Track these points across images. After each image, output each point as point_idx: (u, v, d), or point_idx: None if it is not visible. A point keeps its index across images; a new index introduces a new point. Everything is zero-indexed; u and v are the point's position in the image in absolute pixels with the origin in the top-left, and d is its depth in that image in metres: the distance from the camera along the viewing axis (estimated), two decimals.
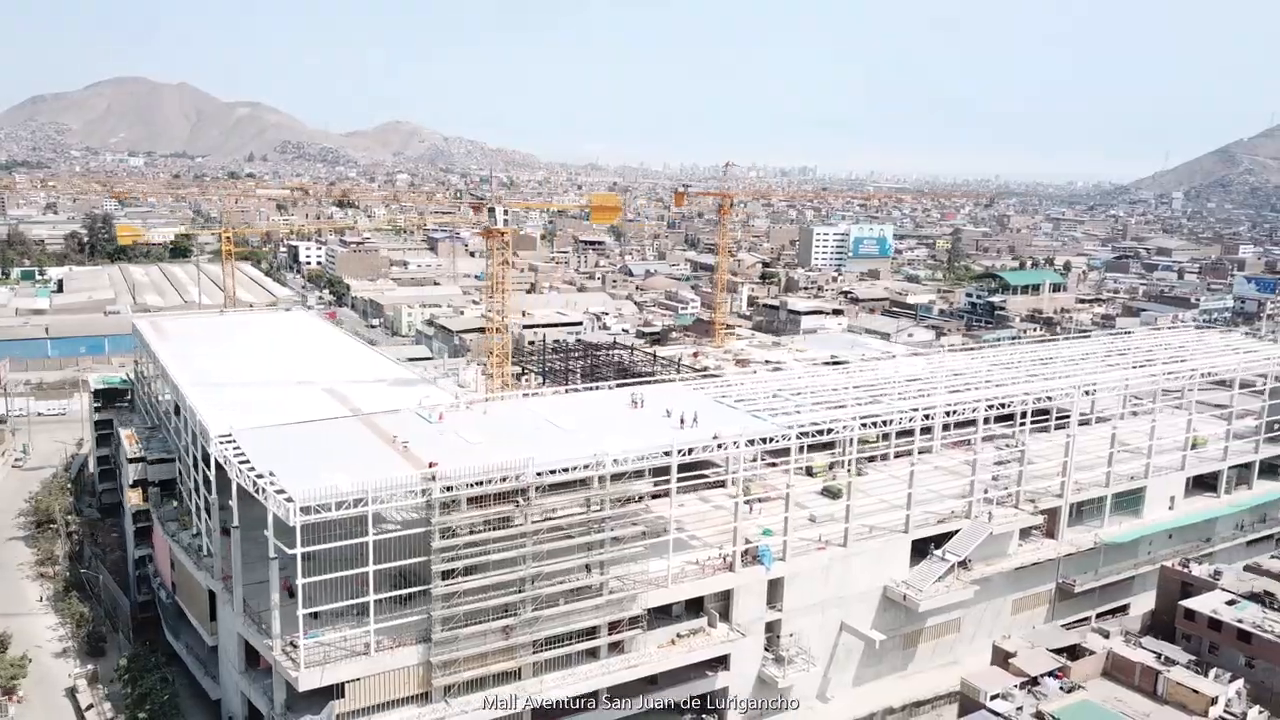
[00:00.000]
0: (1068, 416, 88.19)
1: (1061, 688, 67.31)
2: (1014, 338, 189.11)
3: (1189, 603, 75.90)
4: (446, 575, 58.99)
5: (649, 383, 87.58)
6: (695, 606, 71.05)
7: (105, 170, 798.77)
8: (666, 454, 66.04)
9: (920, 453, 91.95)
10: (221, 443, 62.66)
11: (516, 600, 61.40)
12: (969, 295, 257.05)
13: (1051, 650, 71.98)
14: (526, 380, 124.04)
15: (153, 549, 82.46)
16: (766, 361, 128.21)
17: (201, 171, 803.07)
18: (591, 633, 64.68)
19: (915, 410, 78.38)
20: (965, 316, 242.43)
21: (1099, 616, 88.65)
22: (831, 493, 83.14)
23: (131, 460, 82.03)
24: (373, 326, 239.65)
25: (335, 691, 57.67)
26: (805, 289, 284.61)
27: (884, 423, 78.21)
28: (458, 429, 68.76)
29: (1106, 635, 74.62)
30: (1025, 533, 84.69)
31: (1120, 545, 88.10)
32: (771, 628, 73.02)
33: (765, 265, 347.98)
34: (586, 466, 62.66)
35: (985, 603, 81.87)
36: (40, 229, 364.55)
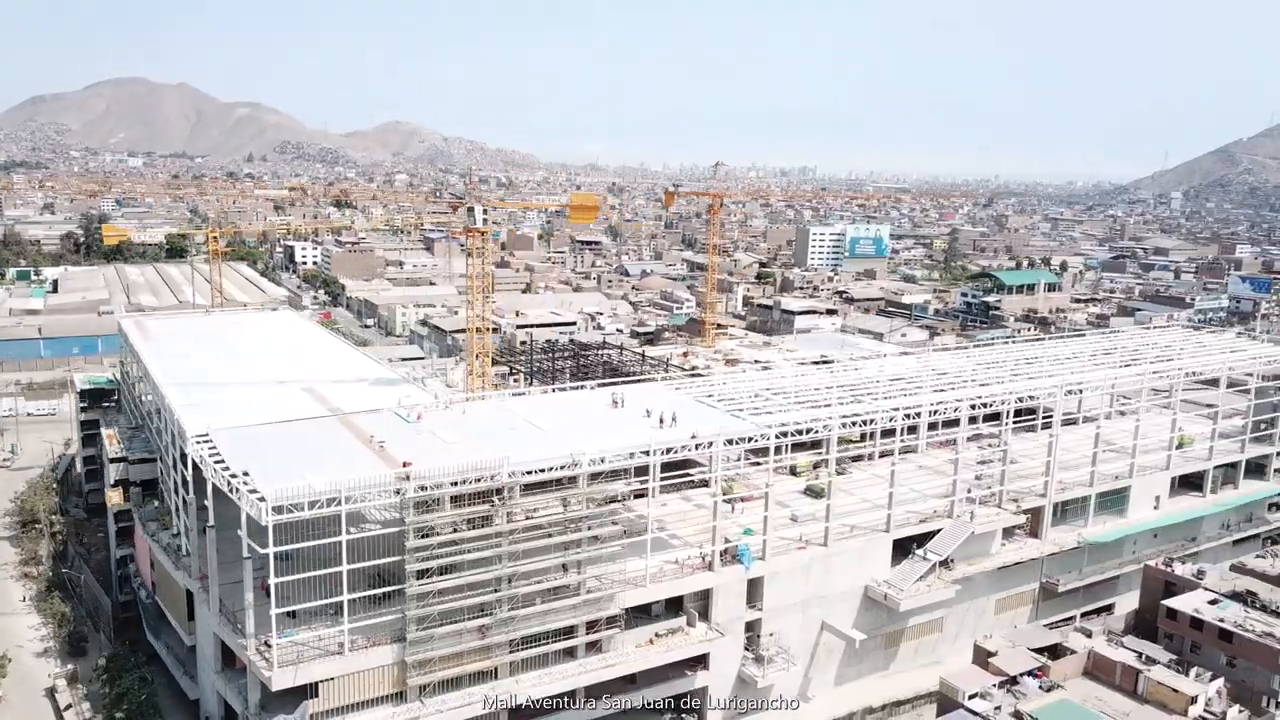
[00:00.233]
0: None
1: (1041, 687, 67.24)
2: (1008, 338, 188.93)
3: (1171, 602, 75.74)
4: (421, 575, 58.89)
5: (630, 382, 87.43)
6: (675, 606, 70.85)
7: (104, 171, 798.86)
8: (644, 453, 65.97)
9: (906, 452, 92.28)
10: (198, 442, 62.63)
11: (493, 600, 61.29)
12: (964, 295, 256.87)
13: (1033, 650, 71.88)
14: (515, 380, 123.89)
15: (134, 549, 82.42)
16: (756, 361, 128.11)
17: (200, 172, 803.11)
18: (569, 632, 64.57)
19: (896, 410, 78.23)
20: (960, 316, 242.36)
21: (1084, 616, 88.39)
22: (814, 492, 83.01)
23: (113, 460, 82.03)
24: (367, 326, 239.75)
25: (309, 691, 57.58)
26: (800, 289, 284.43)
27: (864, 422, 78.04)
28: (435, 429, 68.63)
29: (1089, 635, 74.53)
30: (1008, 532, 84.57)
31: (1104, 545, 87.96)
32: (751, 627, 72.87)
33: (762, 265, 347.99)
34: (562, 466, 62.55)
35: (968, 602, 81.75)
36: (37, 229, 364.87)
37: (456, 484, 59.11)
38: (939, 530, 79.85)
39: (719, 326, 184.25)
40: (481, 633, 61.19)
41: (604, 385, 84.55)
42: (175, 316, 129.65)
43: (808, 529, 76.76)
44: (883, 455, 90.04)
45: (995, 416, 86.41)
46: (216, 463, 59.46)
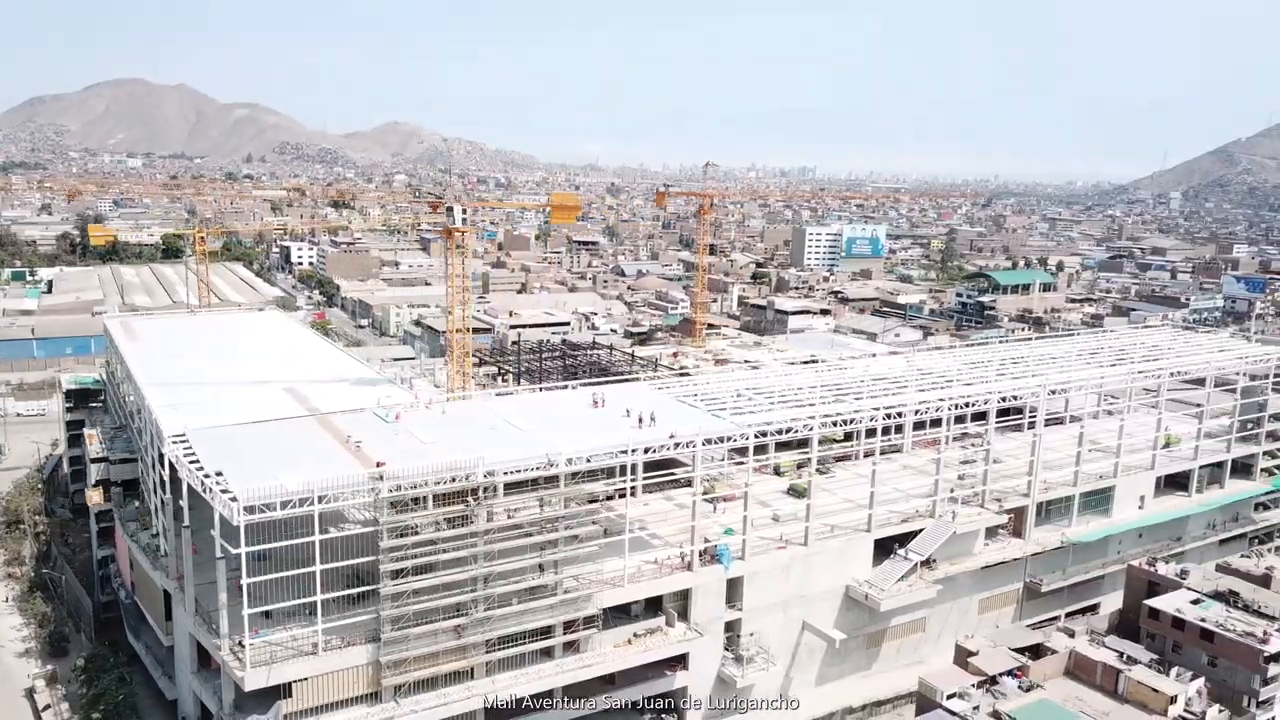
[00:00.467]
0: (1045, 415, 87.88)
1: (1020, 687, 67.11)
2: (1001, 338, 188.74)
3: (1153, 602, 75.52)
4: (396, 574, 58.76)
5: (613, 382, 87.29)
6: (655, 606, 70.77)
7: (103, 171, 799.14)
8: (621, 453, 65.82)
9: (891, 452, 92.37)
10: (174, 442, 62.46)
11: (468, 600, 61.18)
12: (959, 295, 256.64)
13: (1014, 650, 71.67)
14: (503, 380, 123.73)
15: (115, 549, 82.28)
16: (745, 361, 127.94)
17: (199, 173, 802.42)
18: (546, 632, 64.45)
19: (877, 410, 78.05)
20: (955, 316, 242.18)
21: (1068, 616, 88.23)
22: (797, 492, 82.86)
23: (94, 460, 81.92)
24: (361, 327, 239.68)
25: (282, 691, 57.45)
26: (796, 289, 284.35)
27: (845, 422, 77.83)
28: (414, 429, 68.50)
29: (1072, 634, 74.36)
30: (991, 532, 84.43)
31: (1088, 544, 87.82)
32: (731, 627, 72.74)
33: (758, 265, 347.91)
34: (537, 466, 62.41)
35: (951, 602, 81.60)
36: (33, 230, 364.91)
37: (431, 484, 58.96)
38: (921, 530, 79.68)
39: (711, 326, 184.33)
40: (457, 633, 61.06)
41: (587, 385, 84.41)
42: (160, 317, 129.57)
43: (789, 529, 76.60)
44: (867, 455, 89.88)
45: (982, 416, 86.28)
46: (191, 463, 59.34)
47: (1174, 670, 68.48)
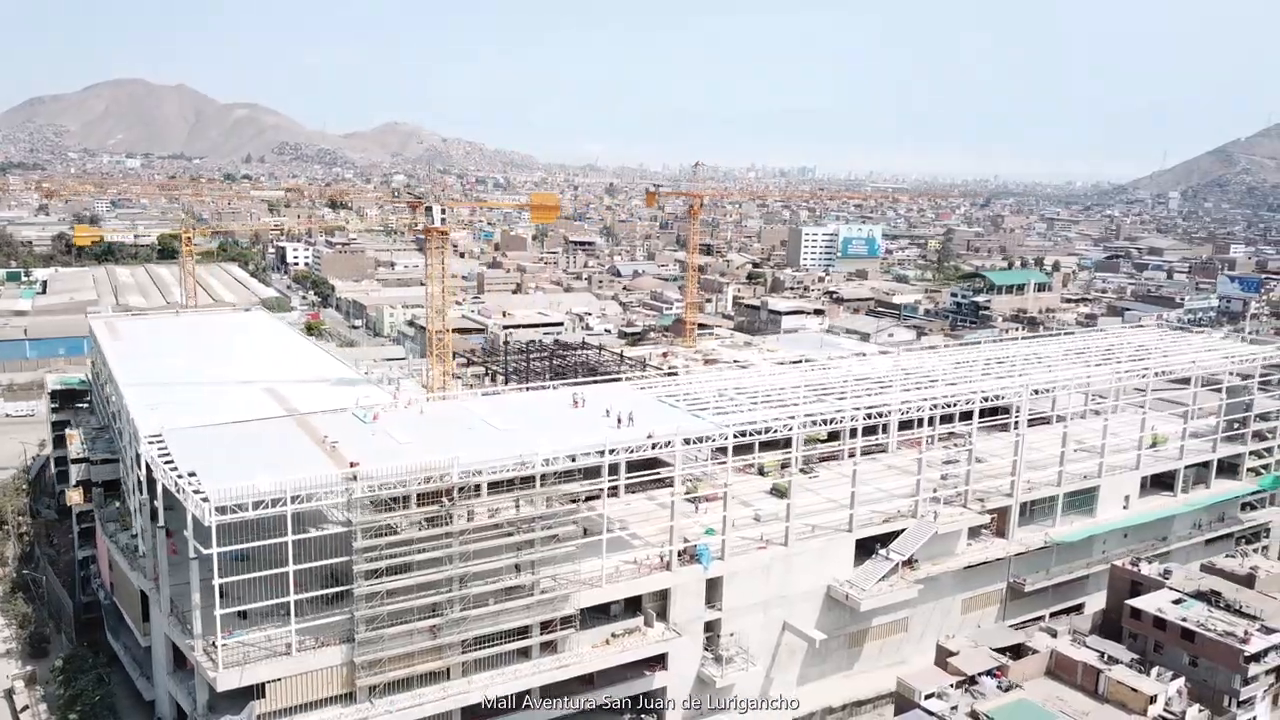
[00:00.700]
0: (1030, 415, 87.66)
1: (1000, 687, 67.02)
2: (994, 338, 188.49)
3: (1135, 602, 75.46)
4: (370, 575, 58.62)
5: (595, 382, 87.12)
6: (635, 606, 70.63)
7: (102, 172, 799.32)
8: (598, 453, 65.67)
9: (875, 452, 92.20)
10: (150, 442, 62.36)
11: (444, 600, 61.04)
12: (954, 295, 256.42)
13: (996, 650, 71.63)
14: (491, 380, 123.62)
15: (96, 549, 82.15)
16: (735, 361, 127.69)
17: (198, 173, 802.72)
18: (523, 632, 64.28)
19: (858, 409, 77.89)
20: (950, 316, 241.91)
21: (1053, 616, 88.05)
22: (779, 492, 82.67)
23: (74, 461, 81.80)
24: (355, 327, 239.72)
25: (256, 692, 57.33)
26: (791, 289, 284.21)
27: (827, 422, 77.64)
28: (391, 429, 68.37)
29: (1054, 634, 74.30)
30: (975, 532, 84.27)
31: (1072, 544, 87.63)
32: (711, 627, 72.56)
33: (755, 265, 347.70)
34: (513, 467, 62.26)
35: (933, 602, 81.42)
36: (30, 230, 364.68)
37: (405, 484, 58.81)
38: (903, 530, 79.51)
39: (703, 326, 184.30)
40: (433, 633, 60.93)
41: (569, 385, 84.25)
42: (146, 317, 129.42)
43: (770, 529, 76.44)
44: (852, 455, 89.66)
45: (968, 416, 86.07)
46: (166, 463, 59.20)
47: (1154, 670, 68.44)
